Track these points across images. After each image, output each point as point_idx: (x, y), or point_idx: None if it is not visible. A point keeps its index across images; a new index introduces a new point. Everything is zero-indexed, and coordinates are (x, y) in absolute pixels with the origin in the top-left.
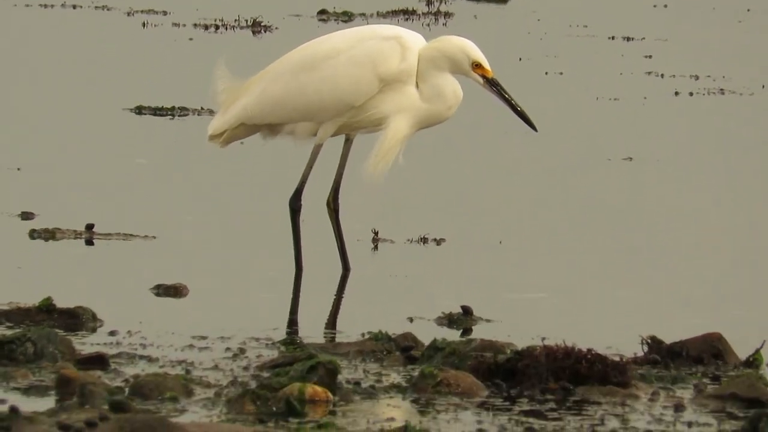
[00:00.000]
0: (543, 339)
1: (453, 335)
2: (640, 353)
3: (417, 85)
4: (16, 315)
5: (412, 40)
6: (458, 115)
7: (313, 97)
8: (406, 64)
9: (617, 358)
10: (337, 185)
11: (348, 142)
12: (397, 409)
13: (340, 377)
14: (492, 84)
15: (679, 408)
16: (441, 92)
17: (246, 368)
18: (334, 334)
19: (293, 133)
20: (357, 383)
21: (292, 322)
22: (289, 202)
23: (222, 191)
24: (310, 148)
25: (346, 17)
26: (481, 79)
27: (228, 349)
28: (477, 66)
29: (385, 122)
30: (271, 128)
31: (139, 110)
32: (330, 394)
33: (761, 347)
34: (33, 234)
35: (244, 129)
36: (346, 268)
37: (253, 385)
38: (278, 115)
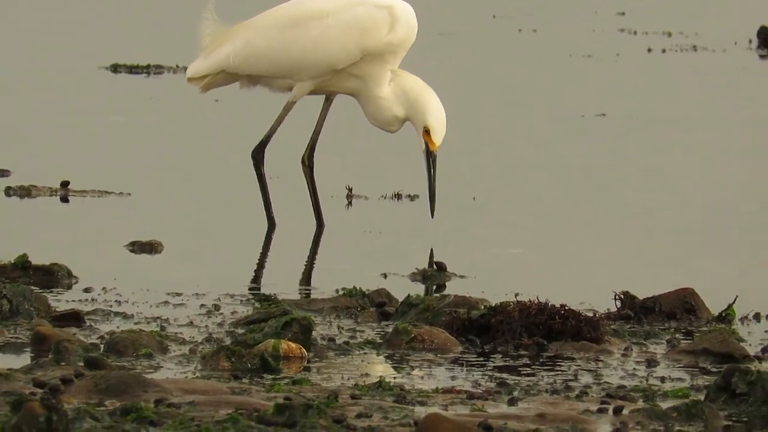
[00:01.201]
0: (516, 295)
1: (426, 291)
2: (614, 309)
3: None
4: None
5: (403, 12)
6: (427, 74)
7: (296, 55)
8: (394, 35)
9: (590, 314)
10: (314, 143)
11: (327, 101)
12: (371, 365)
13: (314, 333)
14: (428, 156)
15: (651, 363)
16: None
17: (220, 325)
18: (309, 290)
19: (271, 86)
20: (331, 339)
21: (257, 278)
22: (252, 153)
23: (197, 149)
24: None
25: None
26: (423, 145)
27: (203, 305)
28: (427, 132)
29: (364, 92)
30: (251, 79)
31: (115, 68)
32: (304, 351)
33: (733, 302)
34: (8, 191)
35: (224, 77)
36: (320, 225)
37: (227, 341)
38: (259, 68)
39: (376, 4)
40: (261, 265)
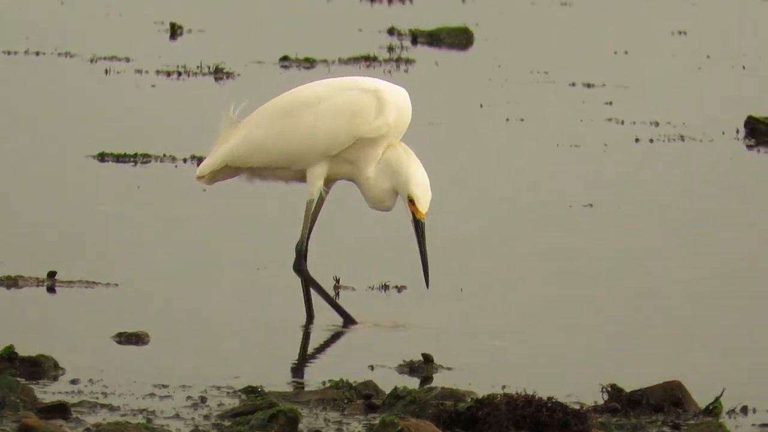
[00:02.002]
0: (504, 387)
1: (414, 383)
2: (601, 401)
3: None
4: None
5: (392, 94)
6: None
7: (291, 144)
8: (383, 119)
9: (578, 407)
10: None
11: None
12: None
13: (300, 425)
14: (416, 225)
15: None
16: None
17: (207, 417)
18: (302, 382)
19: (273, 177)
20: None
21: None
22: (293, 267)
23: (184, 239)
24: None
25: (308, 64)
26: (410, 215)
27: (189, 397)
28: (412, 202)
29: (358, 176)
30: (253, 171)
31: (102, 157)
32: None
33: (721, 395)
34: None
35: (227, 170)
36: (310, 316)
37: None
38: (258, 160)
39: (363, 88)
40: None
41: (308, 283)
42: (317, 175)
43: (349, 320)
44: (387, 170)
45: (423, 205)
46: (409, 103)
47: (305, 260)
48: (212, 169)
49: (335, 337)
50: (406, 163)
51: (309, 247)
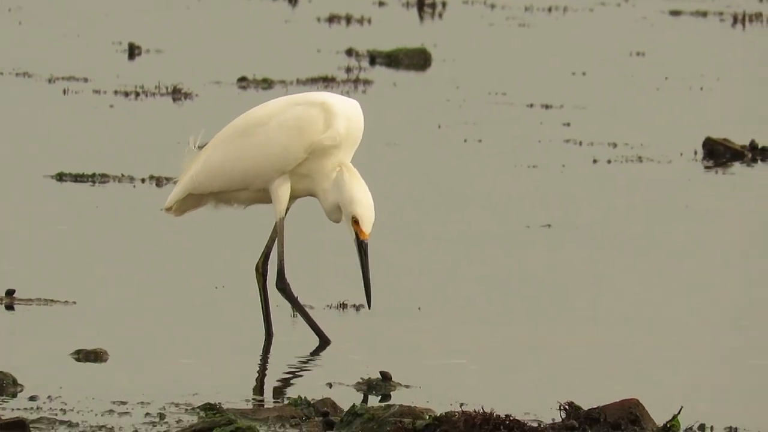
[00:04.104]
0: (461, 405)
1: (372, 401)
2: (558, 419)
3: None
4: None
5: (340, 106)
6: (374, 184)
7: (248, 164)
8: (332, 130)
9: (535, 424)
10: (268, 251)
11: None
12: None
13: None
14: (360, 245)
15: None
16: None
17: None
18: (256, 399)
19: (236, 201)
20: None
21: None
22: (276, 285)
23: (142, 258)
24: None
25: (266, 84)
26: (353, 234)
27: (148, 414)
28: (355, 222)
29: (316, 190)
30: (216, 196)
31: (60, 177)
32: None
33: (678, 413)
34: None
35: (192, 199)
36: (269, 334)
37: None
38: (219, 184)
39: (310, 102)
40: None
41: (290, 301)
42: (281, 192)
43: (324, 340)
44: (335, 188)
45: (366, 225)
46: (361, 114)
47: (284, 278)
48: (177, 199)
49: (293, 354)
50: (349, 183)
51: (267, 267)
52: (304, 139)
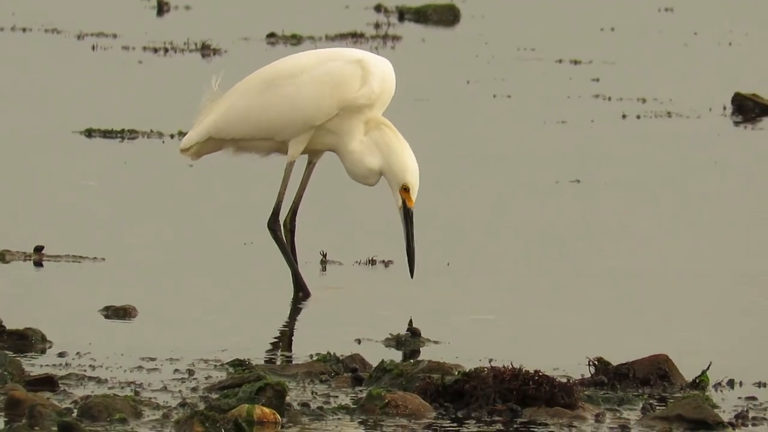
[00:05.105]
0: (490, 360)
1: (401, 357)
2: (587, 375)
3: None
4: None
5: (376, 64)
6: (407, 138)
7: (275, 115)
8: (367, 88)
9: (564, 380)
10: (296, 207)
11: (310, 165)
12: (345, 430)
13: (288, 399)
14: (407, 213)
15: (625, 429)
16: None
17: (194, 390)
18: (285, 355)
19: (256, 149)
20: (305, 405)
21: (287, 345)
22: (267, 224)
23: (171, 214)
24: (280, 165)
25: (295, 40)
26: (400, 202)
27: (177, 370)
28: (405, 190)
29: (341, 148)
30: (236, 143)
31: (89, 133)
32: (278, 416)
33: (707, 369)
34: None
35: (212, 143)
36: (305, 292)
37: (201, 406)
38: (242, 131)
39: (347, 59)
40: (290, 334)
41: (277, 242)
42: (299, 140)
43: (305, 292)
44: (376, 151)
45: (415, 193)
46: (393, 73)
47: (278, 219)
48: (196, 141)
49: (322, 310)
50: (400, 149)
51: (295, 223)
52: (338, 95)
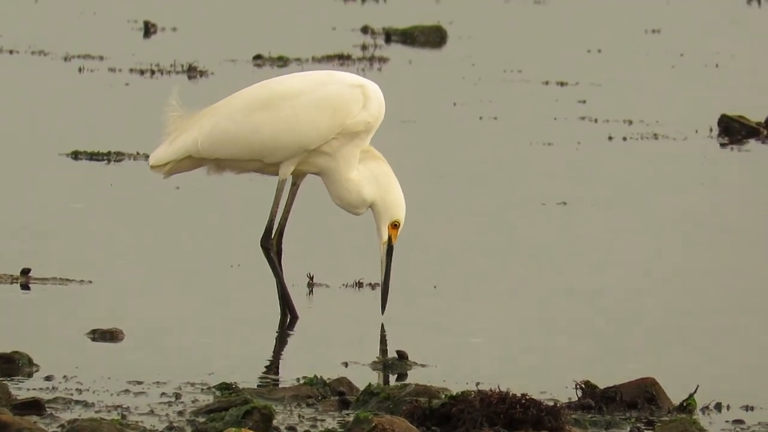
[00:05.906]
0: (477, 384)
1: (384, 379)
2: (575, 398)
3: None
4: None
5: (374, 91)
6: (394, 160)
7: (268, 137)
8: (367, 113)
9: (551, 403)
10: (282, 228)
11: (294, 186)
12: None
13: (275, 422)
14: (390, 249)
15: None
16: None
17: (181, 413)
18: (272, 379)
19: (240, 169)
20: (292, 428)
21: (274, 368)
22: (260, 242)
23: (157, 236)
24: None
25: (282, 62)
26: (385, 237)
27: (164, 394)
28: (395, 226)
29: (334, 173)
30: (218, 163)
31: (76, 155)
32: None
33: (694, 392)
34: None
35: (189, 162)
36: (293, 315)
37: (188, 430)
38: (229, 152)
39: (348, 83)
40: (276, 355)
41: (269, 261)
42: (291, 162)
43: (293, 314)
44: (374, 182)
45: (400, 230)
46: (383, 98)
47: (270, 237)
48: (172, 159)
49: (309, 333)
50: (396, 185)
51: (282, 245)
52: (336, 119)
